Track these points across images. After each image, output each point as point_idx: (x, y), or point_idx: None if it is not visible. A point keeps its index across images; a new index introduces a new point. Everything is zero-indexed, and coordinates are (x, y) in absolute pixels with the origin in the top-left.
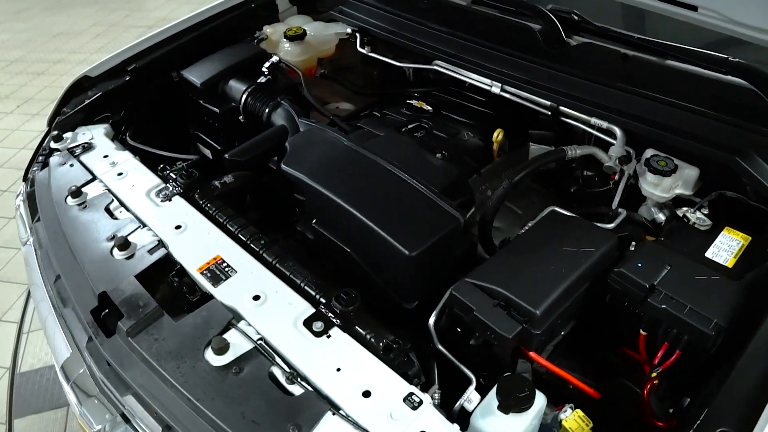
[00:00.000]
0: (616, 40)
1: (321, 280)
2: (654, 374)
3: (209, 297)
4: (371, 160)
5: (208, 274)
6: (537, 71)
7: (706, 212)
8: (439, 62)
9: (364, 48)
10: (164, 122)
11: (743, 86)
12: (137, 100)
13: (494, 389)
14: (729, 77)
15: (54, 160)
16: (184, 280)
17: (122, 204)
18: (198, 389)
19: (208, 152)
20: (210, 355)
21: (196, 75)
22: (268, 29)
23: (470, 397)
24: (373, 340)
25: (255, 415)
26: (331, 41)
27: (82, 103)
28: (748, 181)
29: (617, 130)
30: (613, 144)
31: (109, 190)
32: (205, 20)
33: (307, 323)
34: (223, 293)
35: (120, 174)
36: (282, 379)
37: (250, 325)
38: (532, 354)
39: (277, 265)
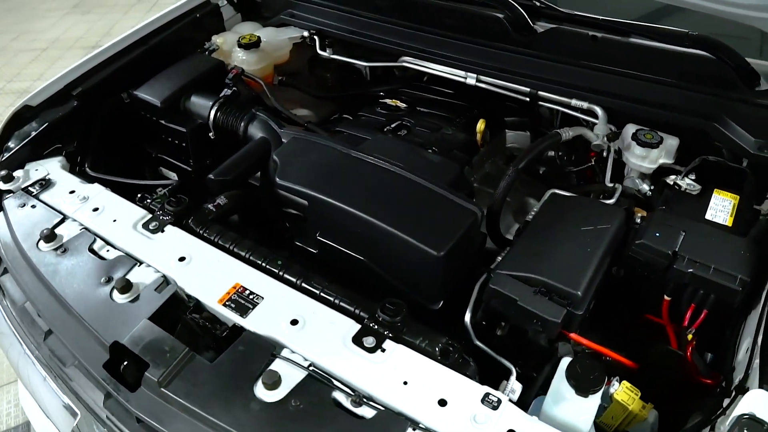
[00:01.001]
0: (581, 24)
1: (353, 293)
2: (690, 335)
3: (239, 329)
4: (372, 163)
5: (232, 305)
6: (511, 59)
7: (693, 178)
8: (407, 58)
9: (325, 51)
10: (121, 148)
11: (707, 57)
12: (88, 127)
13: (559, 375)
14: (693, 50)
15: (9, 202)
16: (204, 315)
17: (107, 242)
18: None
19: (173, 175)
20: (261, 392)
21: (152, 94)
22: (218, 39)
23: (513, 388)
24: (427, 346)
25: None
26: (286, 47)
27: (28, 136)
28: (725, 143)
29: (598, 110)
30: (595, 123)
31: (87, 228)
32: (151, 34)
33: (357, 340)
34: (254, 323)
35: (96, 209)
36: (347, 404)
37: (294, 352)
38: (573, 335)
39: (303, 284)
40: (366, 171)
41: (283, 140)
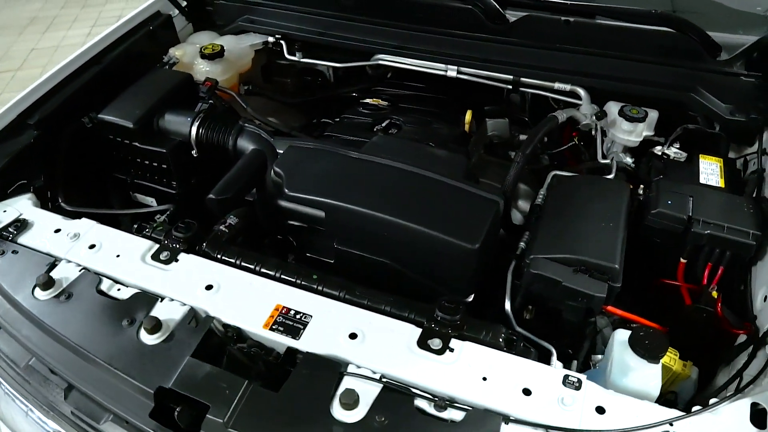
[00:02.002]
0: (551, 10)
1: (399, 298)
2: (714, 292)
3: (294, 352)
4: (383, 164)
5: (281, 328)
6: (490, 48)
7: (677, 146)
8: (381, 56)
9: (294, 55)
10: (90, 178)
11: (674, 33)
12: (52, 157)
13: (619, 347)
14: (661, 27)
15: None
16: (249, 342)
17: (116, 281)
18: None
19: (150, 201)
20: (340, 413)
21: (122, 115)
22: (176, 52)
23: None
24: (492, 339)
25: None
26: (248, 55)
27: None
28: (700, 111)
29: (581, 91)
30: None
31: (87, 269)
32: (104, 51)
33: (423, 344)
34: (310, 343)
35: (92, 246)
36: (431, 410)
37: (360, 366)
38: (609, 308)
39: (347, 296)
40: (379, 172)
41: (278, 150)
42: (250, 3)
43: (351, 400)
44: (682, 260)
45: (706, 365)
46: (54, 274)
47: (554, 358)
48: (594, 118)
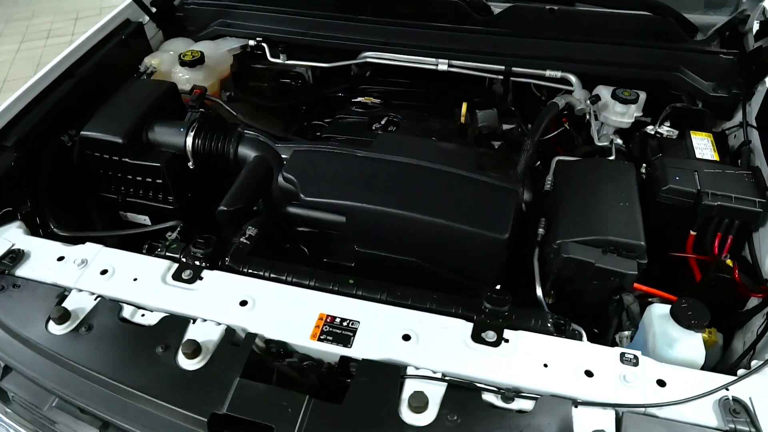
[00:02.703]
0: None
1: (439, 294)
2: (729, 261)
3: (348, 360)
4: (397, 161)
5: (330, 338)
6: (479, 40)
7: (668, 125)
8: (368, 54)
9: (278, 57)
10: (76, 199)
11: (654, 16)
12: (35, 180)
13: (659, 321)
14: (640, 12)
15: None
16: (296, 355)
17: (139, 306)
18: None
19: (143, 219)
20: (411, 418)
21: (108, 130)
22: (152, 60)
23: None
24: (542, 325)
25: None
26: (227, 60)
27: None
28: (685, 90)
29: (572, 77)
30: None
31: (102, 296)
32: (77, 63)
33: (477, 338)
34: (363, 350)
35: (104, 272)
36: (500, 403)
37: (419, 368)
38: (635, 284)
39: (389, 298)
40: (395, 170)
41: (282, 156)
42: (225, 6)
43: (421, 402)
44: (691, 233)
45: (724, 331)
46: (66, 305)
47: (585, 338)
48: (588, 102)
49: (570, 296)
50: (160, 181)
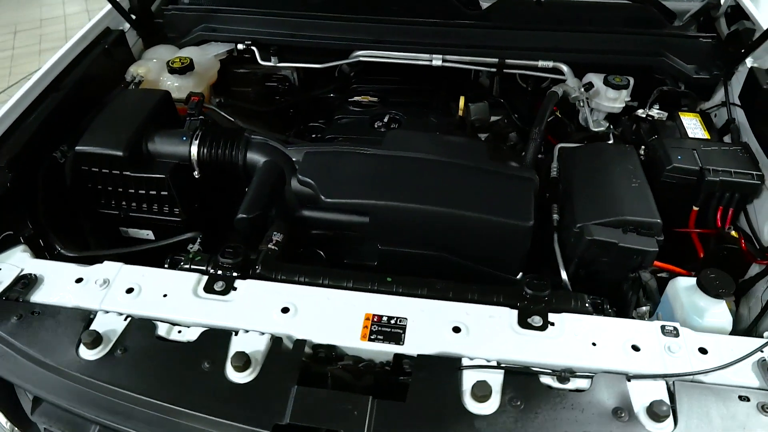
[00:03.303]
0: None
1: (480, 285)
2: (733, 231)
3: (401, 357)
4: (413, 158)
5: (381, 337)
6: (469, 35)
7: (657, 107)
8: (360, 52)
9: (269, 60)
10: (74, 217)
11: (633, 4)
12: (32, 200)
13: (686, 292)
14: (624, 0)
15: None
16: (347, 358)
17: (173, 323)
18: None
19: (146, 233)
20: (476, 407)
21: (107, 144)
22: (139, 69)
23: None
24: (582, 306)
25: (586, 426)
26: (215, 65)
27: None
28: (669, 73)
29: (564, 66)
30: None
31: (131, 316)
32: (61, 75)
33: (524, 324)
34: (416, 346)
35: (130, 290)
36: (556, 384)
37: (473, 358)
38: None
39: (430, 293)
40: (413, 167)
41: (294, 158)
42: (208, 10)
43: (486, 391)
44: (694, 208)
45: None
46: (96, 328)
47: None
48: (583, 89)
49: (587, 277)
50: (165, 193)
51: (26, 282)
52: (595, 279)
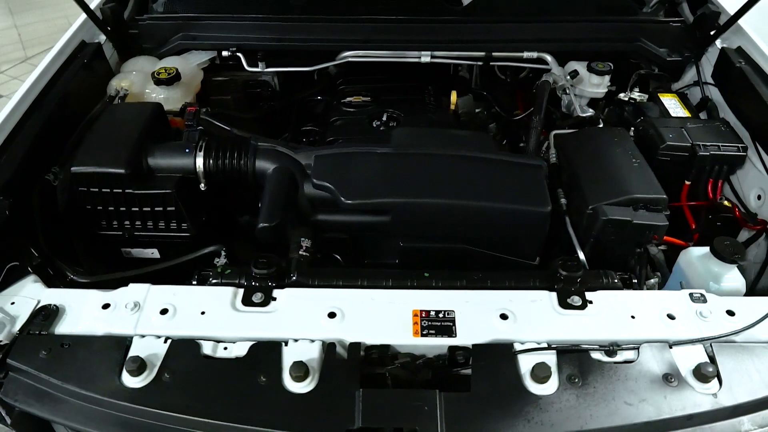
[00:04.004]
0: None
1: (514, 272)
2: (726, 201)
3: (455, 349)
4: (425, 154)
5: (433, 332)
6: (454, 30)
7: (638, 90)
8: (347, 53)
9: (257, 66)
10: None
11: None
12: (31, 227)
13: (701, 260)
14: None
15: (21, 359)
16: (401, 356)
17: (217, 340)
18: (576, 422)
19: (151, 252)
20: (537, 389)
21: (106, 162)
22: (122, 83)
23: None
24: (612, 281)
25: (642, 395)
26: (199, 74)
27: None
28: (645, 57)
29: (547, 56)
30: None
31: (170, 338)
32: (43, 93)
33: (565, 304)
34: (469, 336)
35: (164, 311)
36: (605, 359)
37: (524, 342)
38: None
39: (467, 283)
40: (427, 163)
41: (303, 163)
42: (186, 18)
43: (547, 372)
44: (686, 183)
45: None
46: (135, 354)
47: None
48: (569, 77)
49: (597, 255)
50: (171, 208)
51: (47, 314)
52: (604, 257)
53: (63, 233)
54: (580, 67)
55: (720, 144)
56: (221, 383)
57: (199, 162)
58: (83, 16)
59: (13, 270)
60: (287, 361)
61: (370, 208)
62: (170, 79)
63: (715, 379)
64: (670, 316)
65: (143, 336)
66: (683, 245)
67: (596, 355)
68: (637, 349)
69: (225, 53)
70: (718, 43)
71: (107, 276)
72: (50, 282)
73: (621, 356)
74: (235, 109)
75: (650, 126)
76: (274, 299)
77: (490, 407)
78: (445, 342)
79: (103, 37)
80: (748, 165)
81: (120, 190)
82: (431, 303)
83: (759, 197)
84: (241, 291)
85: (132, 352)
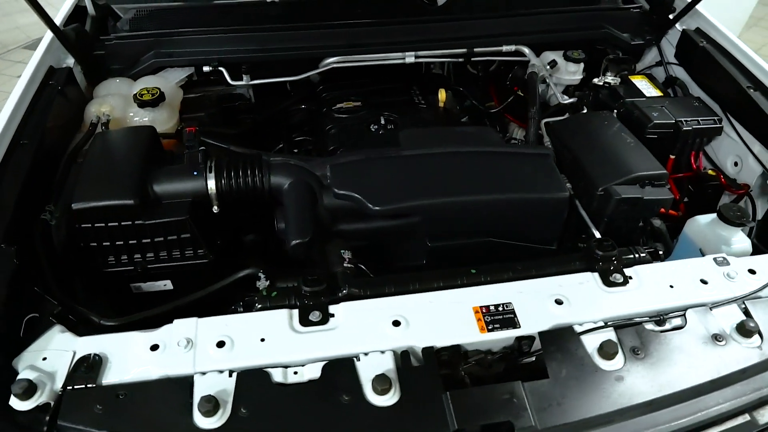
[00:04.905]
0: None
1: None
2: (711, 171)
3: (521, 339)
4: (440, 153)
5: (497, 325)
6: (435, 29)
7: (611, 74)
8: (331, 59)
9: (241, 79)
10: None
11: None
12: (40, 273)
13: (709, 226)
14: None
15: (74, 416)
16: (470, 353)
17: (284, 366)
18: (650, 391)
19: (164, 284)
20: (606, 365)
21: (111, 195)
22: (102, 108)
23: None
24: (642, 256)
25: (700, 357)
26: (178, 93)
27: None
28: (611, 43)
29: (525, 49)
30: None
31: (233, 371)
32: (20, 127)
33: (608, 283)
34: (532, 325)
35: (221, 344)
36: (657, 328)
37: (582, 323)
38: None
39: (514, 274)
40: (446, 162)
41: (319, 173)
42: (157, 35)
43: (615, 349)
44: (671, 157)
45: None
46: (203, 392)
47: None
48: (549, 67)
49: (608, 233)
50: (186, 235)
51: (89, 365)
52: (611, 233)
53: (68, 274)
54: (556, 56)
55: (699, 118)
56: (302, 408)
57: (211, 183)
58: (47, 39)
59: (32, 323)
60: (364, 375)
61: (400, 213)
62: (155, 100)
63: (757, 333)
64: (703, 281)
65: (204, 373)
66: (675, 215)
67: (649, 326)
68: (683, 315)
69: (206, 68)
70: (678, 25)
71: (138, 315)
72: (77, 330)
73: (670, 324)
74: (210, 125)
75: (634, 107)
76: (332, 315)
77: (570, 389)
78: (511, 334)
79: (71, 61)
80: (722, 135)
81: (129, 222)
82: (487, 298)
83: (736, 164)
84: (295, 312)
85: (197, 392)
